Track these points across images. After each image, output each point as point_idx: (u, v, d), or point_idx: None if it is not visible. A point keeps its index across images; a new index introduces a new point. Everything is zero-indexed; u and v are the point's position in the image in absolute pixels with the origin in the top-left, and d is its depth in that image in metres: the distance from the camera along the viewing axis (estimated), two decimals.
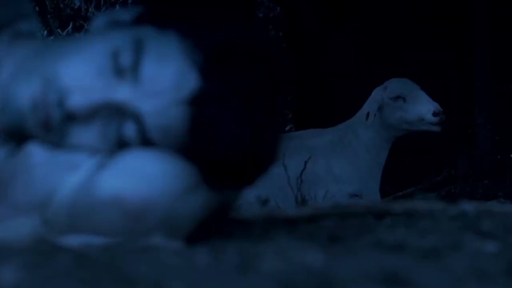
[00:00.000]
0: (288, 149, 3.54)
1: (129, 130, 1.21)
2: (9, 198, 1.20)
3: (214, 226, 1.27)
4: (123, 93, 1.21)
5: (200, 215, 1.23)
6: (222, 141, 1.20)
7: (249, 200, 1.62)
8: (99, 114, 1.22)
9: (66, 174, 1.20)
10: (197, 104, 1.19)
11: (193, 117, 1.19)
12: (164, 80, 1.20)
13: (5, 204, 1.19)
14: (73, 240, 1.07)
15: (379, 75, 3.81)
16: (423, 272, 0.81)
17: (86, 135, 1.23)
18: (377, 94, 3.64)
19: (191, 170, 1.22)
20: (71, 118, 1.21)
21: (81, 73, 1.22)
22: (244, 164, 1.24)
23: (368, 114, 3.59)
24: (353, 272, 0.79)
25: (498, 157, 4.30)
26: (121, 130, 1.22)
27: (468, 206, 1.36)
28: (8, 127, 1.25)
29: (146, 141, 1.20)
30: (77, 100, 1.20)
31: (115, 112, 1.22)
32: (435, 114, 3.53)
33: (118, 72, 1.22)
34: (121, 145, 1.21)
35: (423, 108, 3.56)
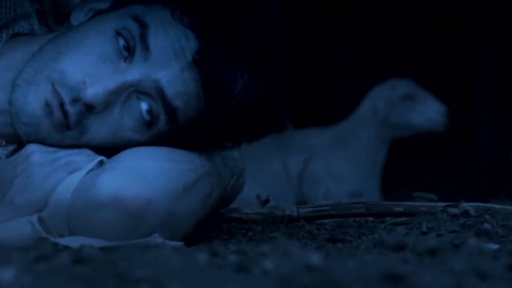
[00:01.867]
0: (287, 149, 3.54)
1: (153, 107, 1.22)
2: (8, 199, 1.20)
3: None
4: (135, 71, 1.21)
5: (200, 213, 1.23)
6: (233, 94, 1.22)
7: (249, 200, 1.62)
8: (117, 99, 1.22)
9: (65, 175, 1.20)
10: (204, 63, 1.21)
11: (203, 76, 1.21)
12: (170, 47, 1.21)
13: (5, 204, 1.19)
14: (72, 241, 1.07)
15: (379, 75, 3.81)
16: (424, 272, 0.81)
17: (106, 123, 1.23)
18: (382, 92, 3.62)
19: (190, 167, 1.21)
20: (89, 111, 1.21)
21: (87, 65, 1.22)
22: (256, 115, 1.25)
23: (375, 110, 3.57)
24: (353, 272, 0.79)
25: (498, 156, 4.30)
26: (142, 111, 1.23)
27: (468, 206, 1.36)
28: (24, 133, 1.24)
29: (171, 113, 1.22)
30: (92, 92, 1.20)
31: (131, 93, 1.22)
32: (443, 115, 3.52)
33: (123, 53, 1.22)
34: (149, 123, 1.22)
35: (432, 109, 3.54)
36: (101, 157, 1.22)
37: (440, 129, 3.56)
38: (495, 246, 1.05)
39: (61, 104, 1.21)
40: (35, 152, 1.23)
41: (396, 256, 0.97)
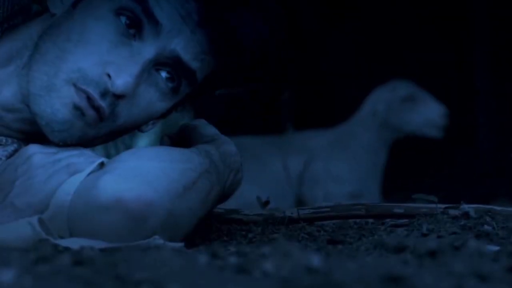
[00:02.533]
0: (288, 150, 3.54)
1: (173, 73, 1.25)
2: (9, 201, 1.19)
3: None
4: (151, 47, 1.23)
5: (201, 212, 1.23)
6: (246, 46, 1.26)
7: (249, 202, 1.62)
8: (141, 78, 1.23)
9: (66, 177, 1.19)
10: (212, 19, 1.24)
11: (215, 32, 1.24)
12: (176, 14, 1.24)
13: (6, 207, 1.19)
14: (73, 243, 1.07)
15: (379, 75, 3.81)
16: (424, 274, 0.81)
17: (137, 104, 1.25)
18: (382, 94, 3.62)
19: (190, 166, 1.21)
20: (119, 99, 1.22)
21: (102, 56, 1.22)
22: (268, 63, 1.29)
23: (375, 112, 3.57)
24: (353, 274, 0.79)
25: (498, 157, 4.30)
26: (164, 80, 1.26)
27: (469, 208, 1.36)
28: (60, 140, 1.24)
29: (191, 75, 1.26)
30: (122, 82, 1.21)
31: (151, 68, 1.24)
32: (443, 117, 3.52)
33: (129, 31, 1.23)
34: (173, 90, 1.26)
35: (433, 111, 3.54)
36: (101, 159, 1.22)
37: (440, 130, 3.56)
38: (495, 248, 1.05)
39: (89, 100, 1.21)
40: (35, 154, 1.23)
41: (396, 258, 0.97)
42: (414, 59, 4.43)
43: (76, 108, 1.22)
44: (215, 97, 1.37)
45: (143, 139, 5.17)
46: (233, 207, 1.46)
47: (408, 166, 4.09)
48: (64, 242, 1.08)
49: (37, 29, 1.29)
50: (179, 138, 1.37)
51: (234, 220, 1.42)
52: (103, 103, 1.22)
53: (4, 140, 1.29)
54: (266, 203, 1.52)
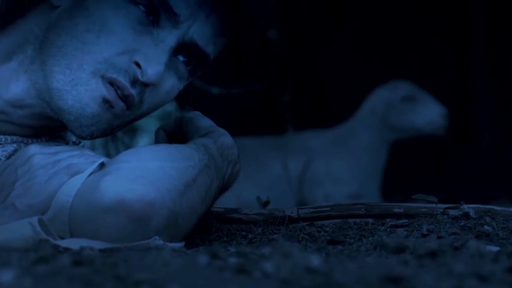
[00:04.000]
0: (288, 150, 3.54)
1: (189, 57, 1.27)
2: (10, 202, 1.19)
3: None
4: (172, 36, 1.25)
5: (201, 208, 1.22)
6: (259, 25, 1.30)
7: (249, 201, 1.62)
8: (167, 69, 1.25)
9: (66, 178, 1.19)
10: (226, 2, 1.27)
11: (228, 15, 1.27)
12: (192, 1, 1.25)
13: (6, 208, 1.19)
14: (73, 243, 1.07)
15: (379, 75, 3.81)
16: (424, 274, 0.81)
17: (161, 91, 1.27)
18: (383, 94, 3.62)
19: (190, 163, 1.21)
20: (147, 86, 1.23)
21: (128, 44, 1.22)
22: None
23: (375, 112, 3.57)
24: (353, 274, 0.79)
25: (498, 156, 4.30)
26: (183, 64, 1.28)
27: (469, 208, 1.36)
28: (88, 135, 1.25)
29: (205, 58, 1.28)
30: (154, 72, 1.22)
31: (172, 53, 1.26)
32: (443, 117, 3.52)
33: (148, 18, 1.23)
34: (189, 73, 1.29)
35: (433, 111, 3.54)
36: (102, 159, 1.22)
37: (440, 131, 3.56)
38: (495, 248, 1.05)
39: (118, 91, 1.21)
40: (36, 155, 1.23)
41: (396, 258, 0.97)
42: (414, 59, 4.43)
43: (105, 101, 1.22)
44: (215, 97, 1.37)
45: (144, 139, 5.17)
46: (233, 207, 1.46)
47: (408, 166, 4.09)
48: (64, 243, 1.08)
49: (37, 22, 1.28)
50: (175, 130, 1.37)
51: (234, 219, 1.42)
52: (133, 91, 1.22)
53: (3, 139, 1.28)
54: (266, 203, 1.52)
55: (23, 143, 1.29)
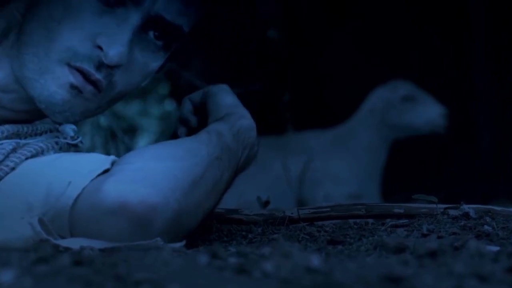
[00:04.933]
0: (288, 150, 3.54)
1: (160, 32, 1.26)
2: (12, 200, 1.19)
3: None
4: (136, 14, 1.24)
5: (209, 203, 1.21)
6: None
7: (249, 201, 1.62)
8: (133, 45, 1.24)
9: (68, 178, 1.18)
10: None
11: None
12: None
13: (8, 205, 1.18)
14: (73, 243, 1.07)
15: (379, 75, 3.80)
16: (424, 274, 0.81)
17: (133, 70, 1.26)
18: (383, 94, 3.62)
19: (196, 161, 1.20)
20: (114, 69, 1.22)
21: (90, 29, 1.22)
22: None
23: (375, 112, 3.57)
24: (354, 274, 0.79)
25: (498, 156, 4.30)
26: (154, 40, 1.26)
27: (469, 208, 1.36)
28: (63, 120, 1.25)
29: (177, 30, 1.27)
30: (115, 53, 1.21)
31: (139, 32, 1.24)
32: (443, 117, 3.52)
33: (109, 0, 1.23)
34: (164, 47, 1.27)
35: (433, 111, 3.54)
36: (108, 164, 1.20)
37: (440, 131, 3.56)
38: (496, 248, 1.05)
39: (85, 76, 1.21)
40: (35, 160, 1.23)
41: (396, 258, 0.97)
42: (414, 59, 4.43)
43: (73, 87, 1.22)
44: None
45: (144, 139, 5.17)
46: (233, 207, 1.46)
47: (408, 166, 4.09)
48: (64, 242, 1.08)
49: (19, 8, 1.28)
50: (201, 102, 1.36)
51: (234, 220, 1.42)
52: (99, 76, 1.22)
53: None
54: (266, 203, 1.52)
55: (19, 137, 1.27)
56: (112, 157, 1.22)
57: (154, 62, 1.29)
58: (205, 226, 1.34)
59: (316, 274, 0.79)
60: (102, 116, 3.42)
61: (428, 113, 3.55)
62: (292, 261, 0.82)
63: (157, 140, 4.96)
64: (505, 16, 4.36)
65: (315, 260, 0.82)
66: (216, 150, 1.23)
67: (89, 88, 1.22)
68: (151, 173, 1.15)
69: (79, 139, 1.34)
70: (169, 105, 5.81)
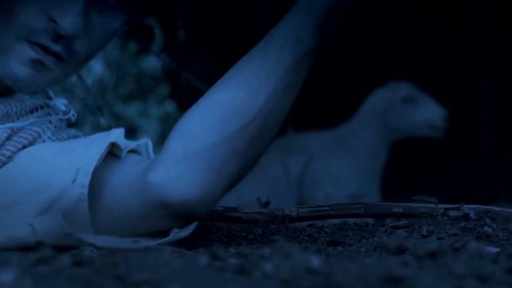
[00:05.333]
0: (287, 151, 3.54)
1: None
2: (11, 190, 1.17)
3: None
4: None
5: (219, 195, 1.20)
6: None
7: (249, 201, 1.61)
8: (91, 13, 1.23)
9: (71, 165, 1.17)
10: None
11: None
12: None
13: (8, 196, 1.17)
14: (99, 240, 1.07)
15: (379, 75, 3.81)
16: (424, 275, 0.81)
17: (93, 34, 1.25)
18: (383, 94, 3.62)
19: (249, 117, 1.18)
20: (73, 39, 1.22)
21: (41, 3, 1.22)
22: None
23: (375, 113, 3.57)
24: (353, 275, 0.79)
25: (498, 156, 4.30)
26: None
27: (469, 209, 1.36)
28: (33, 93, 1.25)
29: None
30: (68, 23, 1.21)
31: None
32: (443, 118, 3.52)
33: None
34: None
35: (433, 112, 3.54)
36: (111, 139, 1.20)
37: (440, 132, 3.56)
38: (496, 250, 1.05)
39: (45, 49, 1.21)
40: (41, 153, 1.22)
41: (396, 259, 0.97)
42: (414, 59, 4.43)
43: (35, 61, 1.22)
44: None
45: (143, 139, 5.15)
46: (233, 206, 1.45)
47: (408, 166, 4.09)
48: (90, 238, 1.08)
49: None
50: None
51: (233, 218, 1.41)
52: (58, 49, 1.22)
53: None
54: (266, 203, 1.52)
55: (10, 118, 1.27)
56: (114, 132, 1.22)
57: (114, 22, 1.28)
58: (205, 226, 1.35)
59: (316, 275, 0.79)
60: (102, 116, 3.42)
61: (428, 114, 3.55)
62: (292, 261, 0.82)
63: (157, 141, 4.95)
64: (505, 16, 4.36)
65: (315, 261, 0.82)
66: (284, 77, 1.22)
67: (50, 58, 1.23)
68: (196, 161, 1.13)
69: (71, 113, 1.34)
70: (169, 106, 5.82)
